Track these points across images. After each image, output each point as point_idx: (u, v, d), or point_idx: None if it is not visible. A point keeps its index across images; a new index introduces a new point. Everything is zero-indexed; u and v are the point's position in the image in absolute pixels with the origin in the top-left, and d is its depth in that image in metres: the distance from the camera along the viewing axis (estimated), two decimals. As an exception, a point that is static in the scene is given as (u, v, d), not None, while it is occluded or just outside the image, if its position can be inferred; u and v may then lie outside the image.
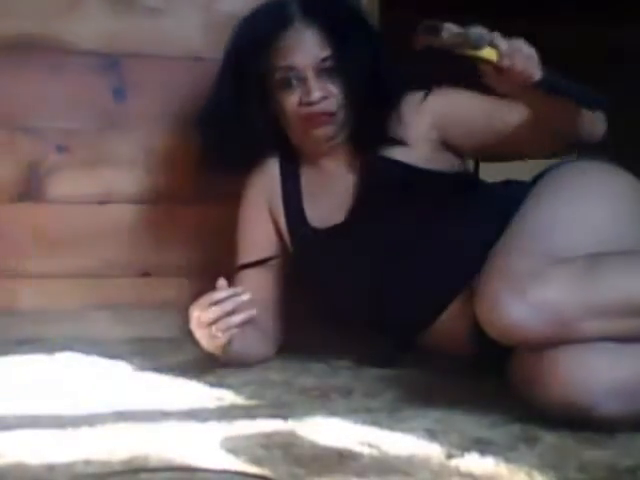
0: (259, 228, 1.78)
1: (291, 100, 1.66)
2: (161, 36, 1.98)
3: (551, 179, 1.55)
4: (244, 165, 1.79)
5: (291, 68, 1.65)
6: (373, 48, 1.69)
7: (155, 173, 1.98)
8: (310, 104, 1.64)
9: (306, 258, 1.71)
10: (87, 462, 1.14)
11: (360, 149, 1.72)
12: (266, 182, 1.78)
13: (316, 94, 1.63)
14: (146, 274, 1.99)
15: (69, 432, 1.27)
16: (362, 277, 1.63)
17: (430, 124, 1.71)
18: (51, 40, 1.92)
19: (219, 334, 1.51)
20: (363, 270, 1.63)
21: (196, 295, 1.64)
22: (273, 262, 1.77)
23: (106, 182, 1.97)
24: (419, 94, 1.73)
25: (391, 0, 2.06)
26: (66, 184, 1.94)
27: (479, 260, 1.41)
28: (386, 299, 1.61)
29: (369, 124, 1.70)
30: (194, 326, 1.55)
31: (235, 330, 1.51)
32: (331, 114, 1.66)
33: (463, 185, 1.67)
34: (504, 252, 1.38)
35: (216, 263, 1.80)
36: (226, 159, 1.75)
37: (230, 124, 1.72)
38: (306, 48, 1.65)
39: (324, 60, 1.65)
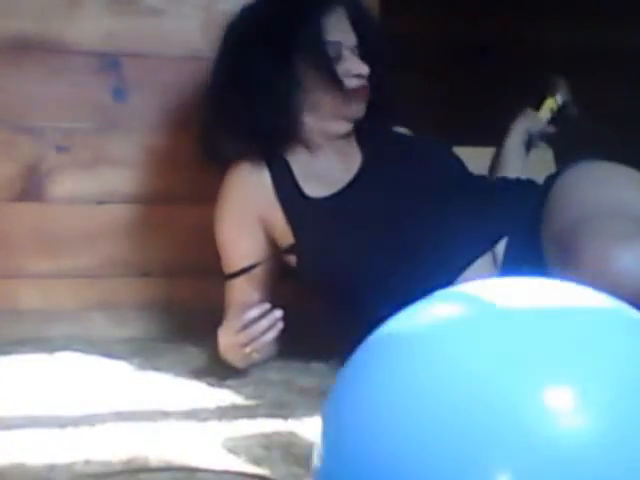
0: (245, 239, 1.75)
1: (338, 71, 1.69)
2: (161, 36, 1.98)
3: (580, 170, 1.70)
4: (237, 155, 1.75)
5: (340, 44, 1.70)
6: (382, 43, 1.79)
7: (155, 173, 1.98)
8: (359, 76, 1.70)
9: (313, 231, 1.69)
10: (87, 462, 1.14)
11: (364, 135, 1.78)
12: (250, 189, 1.73)
13: (366, 68, 1.70)
14: (146, 274, 1.99)
15: (69, 432, 1.27)
16: (375, 237, 1.65)
17: None
18: (51, 40, 1.92)
19: (255, 354, 1.53)
20: (375, 230, 1.65)
21: (195, 295, 1.65)
22: (262, 266, 1.76)
23: (106, 182, 1.96)
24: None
25: (391, 1, 2.06)
26: (66, 184, 1.94)
27: (498, 227, 1.64)
28: (411, 256, 1.61)
29: (376, 112, 1.77)
30: (227, 349, 1.57)
31: (267, 347, 1.56)
32: (368, 88, 1.73)
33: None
34: (586, 220, 1.50)
35: (216, 263, 1.80)
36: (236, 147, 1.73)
37: (245, 106, 1.69)
38: (347, 30, 1.72)
39: (353, 47, 1.72)
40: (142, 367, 1.68)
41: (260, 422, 1.32)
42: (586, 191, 1.61)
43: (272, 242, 1.75)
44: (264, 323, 1.51)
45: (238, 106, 1.69)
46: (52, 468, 1.12)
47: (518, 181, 1.79)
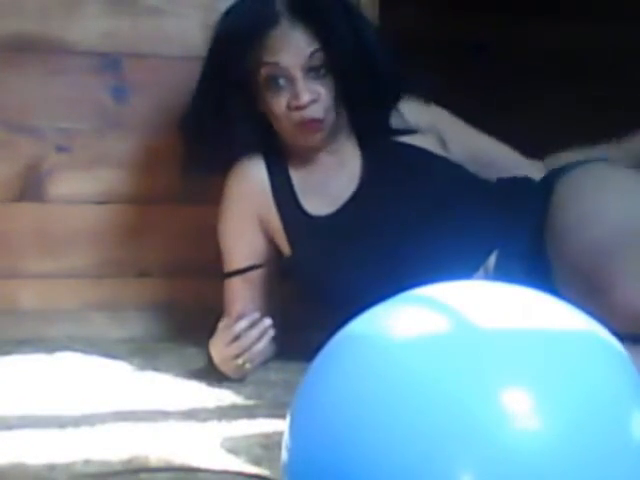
0: (245, 240, 1.75)
1: (279, 103, 1.61)
2: (161, 36, 1.98)
3: (584, 175, 1.65)
4: (229, 164, 1.76)
5: (278, 66, 1.60)
6: (365, 38, 1.66)
7: (155, 173, 1.98)
8: (299, 108, 1.59)
9: (310, 247, 1.69)
10: (87, 462, 1.14)
11: (365, 141, 1.72)
12: (251, 189, 1.73)
13: (305, 98, 1.58)
14: (146, 274, 1.99)
15: (69, 432, 1.27)
16: (373, 254, 1.64)
17: (430, 124, 1.75)
18: (51, 40, 1.92)
19: (247, 365, 1.54)
20: (374, 247, 1.64)
21: (196, 295, 1.65)
22: (261, 269, 1.75)
23: (106, 182, 1.96)
24: (419, 101, 1.76)
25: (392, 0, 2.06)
26: (66, 184, 1.94)
27: (494, 240, 1.62)
28: (404, 276, 1.59)
29: (371, 115, 1.70)
30: (219, 361, 1.57)
31: (260, 355, 1.55)
32: (319, 121, 1.62)
33: (472, 174, 1.73)
34: (610, 246, 1.49)
35: (216, 263, 1.80)
36: (211, 158, 1.73)
37: (215, 122, 1.69)
38: (293, 47, 1.60)
39: (312, 54, 1.60)
40: (142, 367, 1.68)
41: (260, 422, 1.32)
42: (598, 205, 1.58)
43: (273, 245, 1.75)
44: (254, 333, 1.51)
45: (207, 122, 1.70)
46: (52, 468, 1.12)
47: (515, 181, 1.75)
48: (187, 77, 1.93)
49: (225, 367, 1.57)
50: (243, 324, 1.52)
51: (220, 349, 1.56)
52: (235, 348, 1.52)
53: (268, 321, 1.52)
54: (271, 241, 1.75)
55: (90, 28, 1.94)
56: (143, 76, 1.97)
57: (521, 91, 2.85)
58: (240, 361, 1.53)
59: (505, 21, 2.90)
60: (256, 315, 1.53)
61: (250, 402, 1.46)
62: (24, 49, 1.91)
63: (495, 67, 2.90)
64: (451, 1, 2.85)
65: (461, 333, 0.76)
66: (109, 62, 1.95)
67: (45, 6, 1.91)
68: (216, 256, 1.79)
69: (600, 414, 0.73)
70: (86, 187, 1.96)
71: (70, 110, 1.94)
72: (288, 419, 0.83)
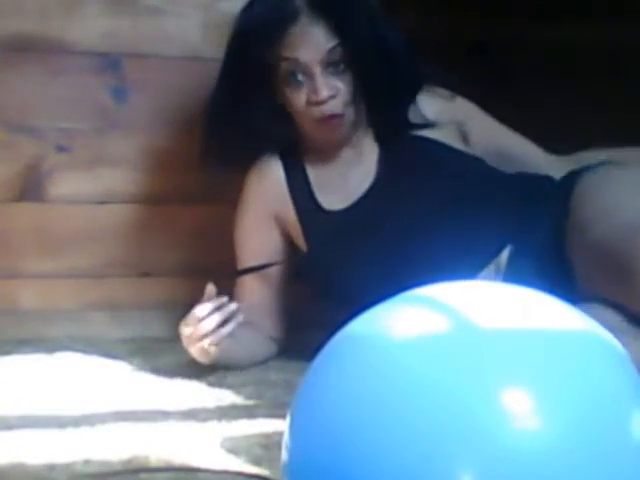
0: (259, 237, 1.76)
1: (299, 98, 1.62)
2: (161, 36, 1.98)
3: (606, 173, 1.63)
4: (247, 160, 1.77)
5: (298, 62, 1.60)
6: (383, 33, 1.66)
7: (155, 173, 1.98)
8: (318, 103, 1.60)
9: (325, 242, 1.69)
10: (87, 462, 1.14)
11: (383, 136, 1.72)
12: (268, 187, 1.75)
13: (324, 93, 1.59)
14: (146, 274, 1.99)
15: (69, 432, 1.27)
16: (387, 248, 1.64)
17: (451, 117, 1.75)
18: (51, 40, 1.92)
19: (212, 348, 1.52)
20: (387, 241, 1.64)
21: (196, 295, 1.64)
22: (274, 267, 1.76)
23: (106, 182, 1.96)
24: (443, 93, 1.76)
25: (391, 1, 2.06)
26: (66, 184, 1.94)
27: (507, 236, 1.62)
28: (416, 270, 1.59)
29: (389, 111, 1.70)
30: (186, 344, 1.56)
31: (227, 340, 1.52)
32: (339, 116, 1.62)
33: (490, 168, 1.72)
34: (633, 231, 1.47)
35: (216, 263, 1.80)
36: (230, 152, 1.73)
37: (235, 116, 1.69)
38: (312, 43, 1.60)
39: (331, 50, 1.60)
40: (142, 367, 1.68)
41: (260, 422, 1.32)
42: (620, 196, 1.56)
43: (289, 243, 1.76)
44: (217, 317, 1.50)
45: (230, 117, 1.70)
46: (52, 468, 1.12)
47: (535, 178, 1.74)
48: (187, 77, 1.94)
49: (191, 349, 1.56)
50: (209, 307, 1.51)
51: (188, 331, 1.54)
52: (198, 329, 1.51)
53: (234, 305, 1.52)
54: (287, 240, 1.76)
55: (90, 28, 1.94)
56: (143, 76, 1.97)
57: (521, 91, 2.85)
58: (205, 344, 1.52)
59: (505, 21, 2.90)
60: (224, 299, 1.53)
61: (250, 402, 1.46)
62: (24, 49, 1.91)
63: (495, 67, 2.90)
64: (451, 1, 2.85)
65: (461, 333, 0.76)
66: (109, 62, 1.95)
67: (45, 6, 1.91)
68: (216, 256, 1.79)
69: (600, 414, 0.73)
70: (86, 187, 1.96)
71: (70, 110, 1.94)
72: (288, 419, 0.83)
